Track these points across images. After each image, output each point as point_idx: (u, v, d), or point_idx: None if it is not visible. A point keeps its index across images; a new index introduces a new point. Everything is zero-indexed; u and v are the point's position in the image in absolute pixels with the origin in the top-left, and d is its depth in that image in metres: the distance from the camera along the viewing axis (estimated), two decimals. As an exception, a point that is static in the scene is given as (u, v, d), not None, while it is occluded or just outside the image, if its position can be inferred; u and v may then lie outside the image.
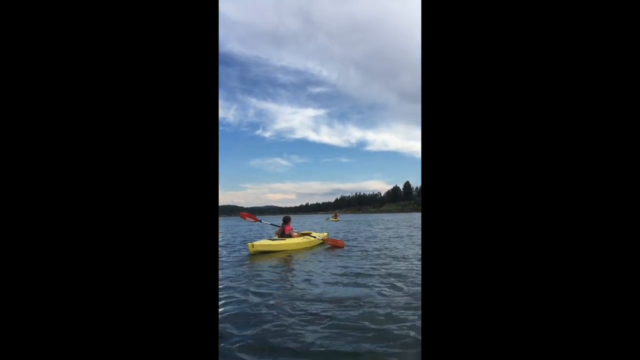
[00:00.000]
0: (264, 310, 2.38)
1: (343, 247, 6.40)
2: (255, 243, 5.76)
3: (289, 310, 2.38)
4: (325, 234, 8.21)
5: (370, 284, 3.15)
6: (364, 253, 5.49)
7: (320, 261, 4.80)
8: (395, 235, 9.34)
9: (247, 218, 7.43)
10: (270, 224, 7.87)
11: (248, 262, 4.89)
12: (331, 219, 29.70)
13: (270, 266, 4.46)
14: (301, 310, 2.38)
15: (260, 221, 7.77)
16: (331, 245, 6.64)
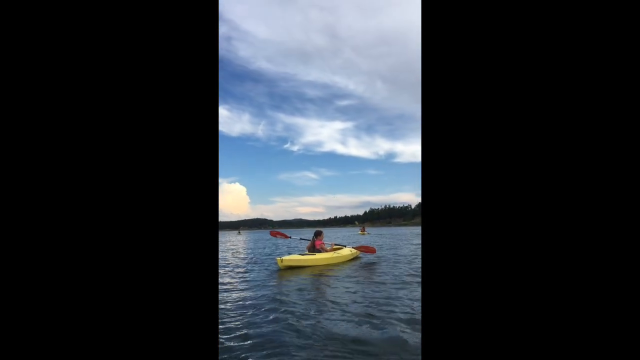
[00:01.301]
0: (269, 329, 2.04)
1: (375, 253, 6.76)
2: (284, 258, 5.42)
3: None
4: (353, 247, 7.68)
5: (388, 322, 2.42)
6: (398, 279, 4.32)
7: (348, 286, 4.19)
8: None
9: (277, 236, 7.50)
10: (300, 238, 7.93)
11: (275, 280, 4.41)
12: (358, 232, 29.10)
13: (297, 289, 3.88)
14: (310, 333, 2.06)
15: (290, 237, 7.86)
16: (364, 252, 6.89)
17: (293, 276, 4.62)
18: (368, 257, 6.87)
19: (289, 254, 6.50)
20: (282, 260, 5.29)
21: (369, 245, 7.61)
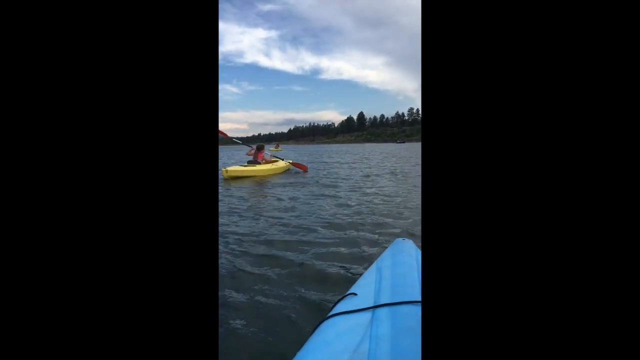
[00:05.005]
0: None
1: (306, 171, 7.34)
2: (228, 169, 5.71)
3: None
4: (290, 161, 8.34)
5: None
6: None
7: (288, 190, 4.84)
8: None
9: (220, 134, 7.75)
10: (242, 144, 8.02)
11: (221, 186, 4.81)
12: (271, 149, 30.63)
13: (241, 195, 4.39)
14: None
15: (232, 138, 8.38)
16: (298, 168, 7.59)
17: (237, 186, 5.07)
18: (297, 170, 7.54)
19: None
20: (227, 171, 5.62)
21: (299, 163, 8.23)
